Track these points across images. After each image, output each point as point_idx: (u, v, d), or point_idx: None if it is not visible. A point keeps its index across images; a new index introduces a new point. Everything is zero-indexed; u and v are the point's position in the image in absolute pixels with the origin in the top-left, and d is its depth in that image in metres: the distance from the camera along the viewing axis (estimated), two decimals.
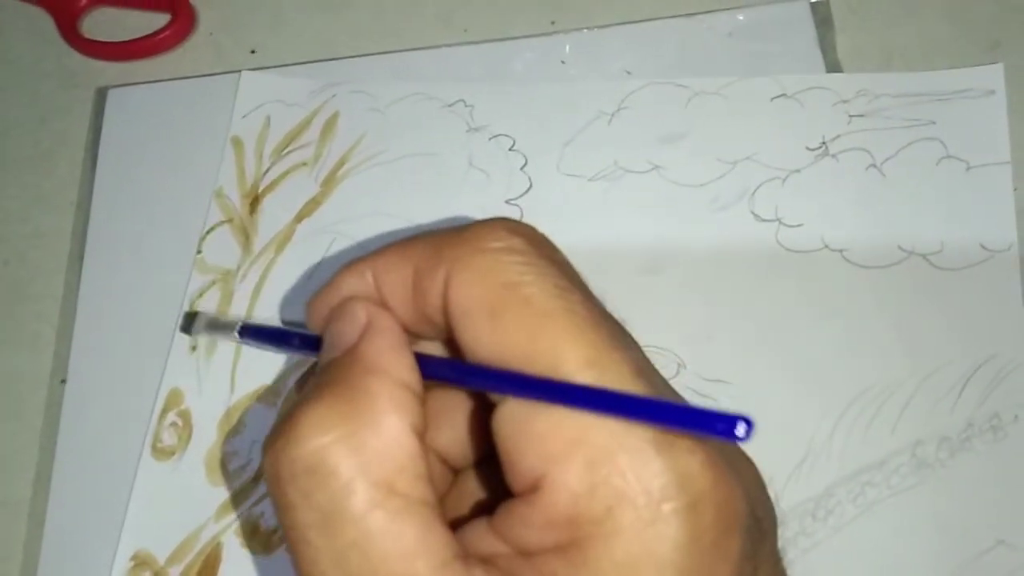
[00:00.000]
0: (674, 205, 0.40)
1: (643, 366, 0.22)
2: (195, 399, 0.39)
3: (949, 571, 0.33)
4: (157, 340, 0.40)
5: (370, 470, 0.21)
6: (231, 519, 0.37)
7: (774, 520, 0.24)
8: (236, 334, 0.34)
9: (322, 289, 0.27)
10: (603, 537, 0.20)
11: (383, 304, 0.25)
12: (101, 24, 0.48)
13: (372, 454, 0.21)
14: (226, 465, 0.38)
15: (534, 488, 0.21)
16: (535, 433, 0.21)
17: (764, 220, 0.39)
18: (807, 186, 0.39)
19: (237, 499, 0.37)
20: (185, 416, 0.38)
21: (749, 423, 0.19)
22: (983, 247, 0.38)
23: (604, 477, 0.20)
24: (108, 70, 0.47)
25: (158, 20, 0.46)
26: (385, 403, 0.22)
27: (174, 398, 0.39)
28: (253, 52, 0.46)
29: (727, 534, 0.21)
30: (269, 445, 0.22)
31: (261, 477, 0.37)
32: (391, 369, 0.23)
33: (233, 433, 0.38)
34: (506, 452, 0.22)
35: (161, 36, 0.46)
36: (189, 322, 0.39)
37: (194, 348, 0.39)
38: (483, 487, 0.26)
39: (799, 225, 0.39)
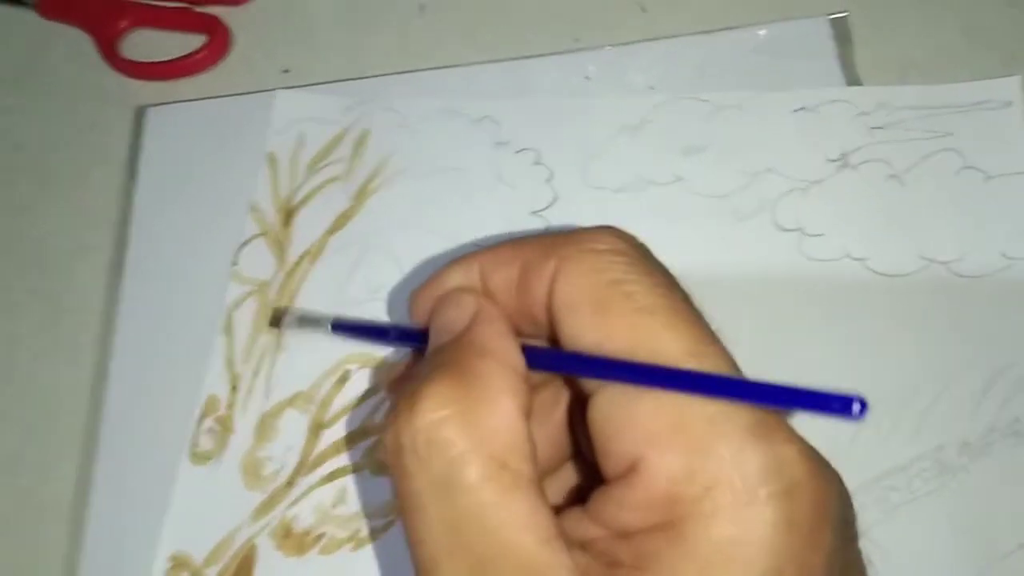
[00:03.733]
0: (697, 216, 0.41)
1: (735, 364, 0.23)
2: (232, 406, 0.40)
3: (971, 574, 0.34)
4: (195, 349, 0.41)
5: (484, 445, 0.22)
6: (266, 522, 0.38)
7: (856, 527, 0.24)
8: (328, 329, 0.34)
9: (428, 282, 0.28)
10: (701, 516, 0.21)
11: (488, 297, 0.26)
12: (139, 45, 0.49)
13: (486, 431, 0.22)
14: (261, 470, 0.39)
15: (631, 470, 0.22)
16: (633, 417, 0.22)
17: (786, 230, 0.40)
18: (828, 197, 0.40)
19: (272, 502, 0.38)
20: (222, 422, 0.40)
21: (864, 403, 0.19)
22: (1003, 255, 0.38)
23: (702, 460, 0.21)
24: (146, 89, 0.48)
25: (194, 41, 0.48)
26: (498, 384, 0.23)
27: (211, 404, 0.40)
28: (286, 71, 0.48)
29: (821, 525, 0.21)
30: (391, 421, 0.23)
31: (295, 481, 0.38)
32: (501, 353, 0.24)
33: (268, 439, 0.39)
34: (603, 437, 0.23)
35: (197, 56, 0.47)
36: (278, 317, 0.41)
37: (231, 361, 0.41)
38: (566, 491, 0.27)
39: (821, 235, 0.39)
